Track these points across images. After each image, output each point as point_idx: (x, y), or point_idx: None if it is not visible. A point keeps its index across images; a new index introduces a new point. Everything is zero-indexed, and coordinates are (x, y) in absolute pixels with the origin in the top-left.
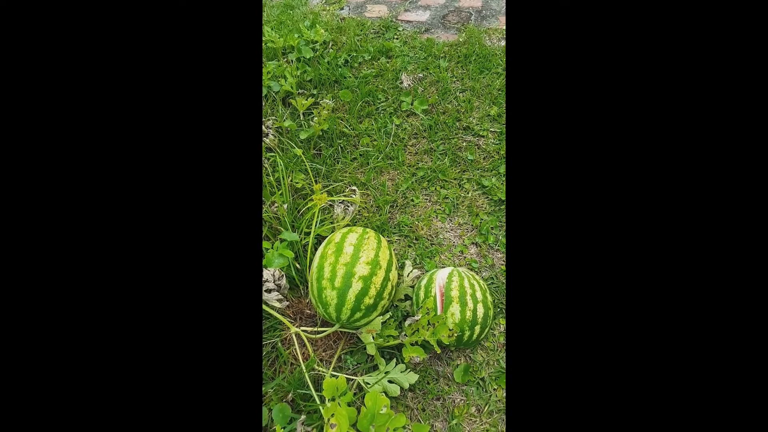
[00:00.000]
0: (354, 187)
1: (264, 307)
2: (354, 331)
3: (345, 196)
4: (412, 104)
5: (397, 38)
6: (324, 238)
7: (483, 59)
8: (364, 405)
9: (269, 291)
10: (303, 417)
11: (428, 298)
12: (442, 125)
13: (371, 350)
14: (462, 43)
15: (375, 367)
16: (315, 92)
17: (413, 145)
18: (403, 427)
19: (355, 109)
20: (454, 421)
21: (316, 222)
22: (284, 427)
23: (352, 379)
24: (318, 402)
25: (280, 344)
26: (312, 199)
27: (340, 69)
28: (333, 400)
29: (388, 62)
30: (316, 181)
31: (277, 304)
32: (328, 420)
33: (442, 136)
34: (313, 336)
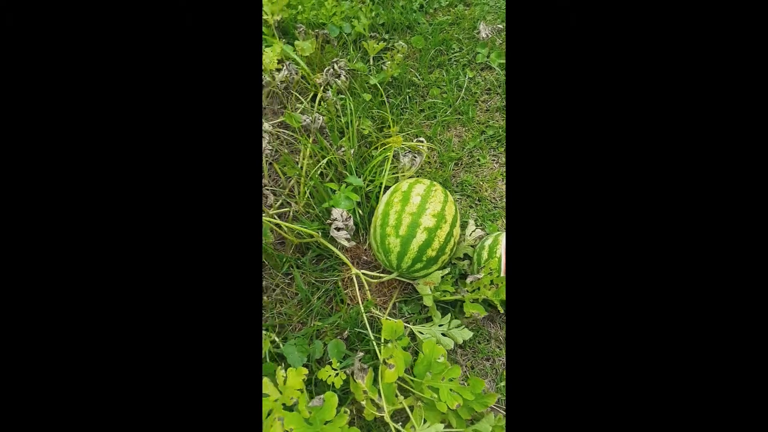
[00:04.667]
0: (422, 139)
1: (328, 245)
2: (411, 281)
3: (409, 144)
4: (488, 57)
5: None
6: (386, 187)
7: None
8: (422, 352)
9: (338, 229)
10: (360, 354)
11: (493, 259)
12: None
13: (428, 302)
14: None
15: (428, 319)
16: (387, 37)
17: (485, 101)
18: (459, 379)
19: (427, 58)
20: (502, 383)
21: (388, 166)
22: (340, 362)
23: (407, 327)
24: (374, 342)
25: (339, 284)
26: (383, 145)
27: (414, 14)
28: (388, 342)
29: (465, 10)
30: (381, 129)
31: (345, 243)
32: (386, 360)
33: None
34: (372, 280)
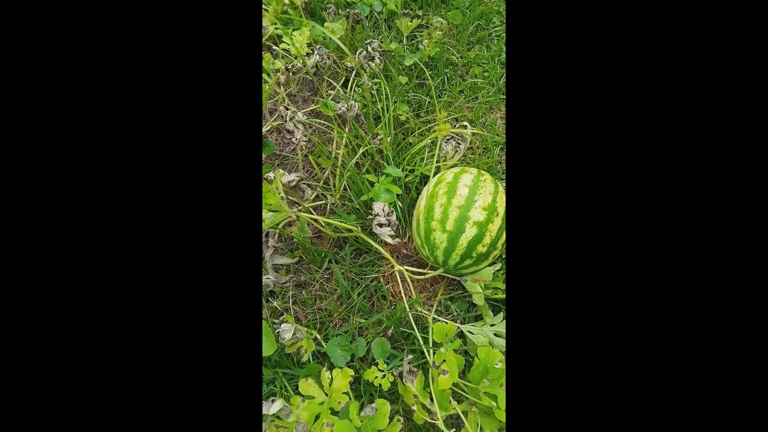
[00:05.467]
0: (465, 123)
1: (369, 240)
2: (457, 277)
3: (455, 130)
4: None
5: None
6: (427, 177)
7: None
8: (477, 357)
9: (381, 225)
10: (410, 357)
11: None
12: None
13: (479, 300)
14: None
15: (478, 318)
16: (420, 13)
17: None
18: None
19: (465, 34)
20: None
21: (436, 154)
22: (386, 362)
23: (456, 327)
24: (421, 343)
25: (382, 279)
26: (423, 133)
27: None
28: (438, 345)
29: None
30: (418, 114)
31: (390, 240)
32: (439, 365)
33: None
34: (417, 277)
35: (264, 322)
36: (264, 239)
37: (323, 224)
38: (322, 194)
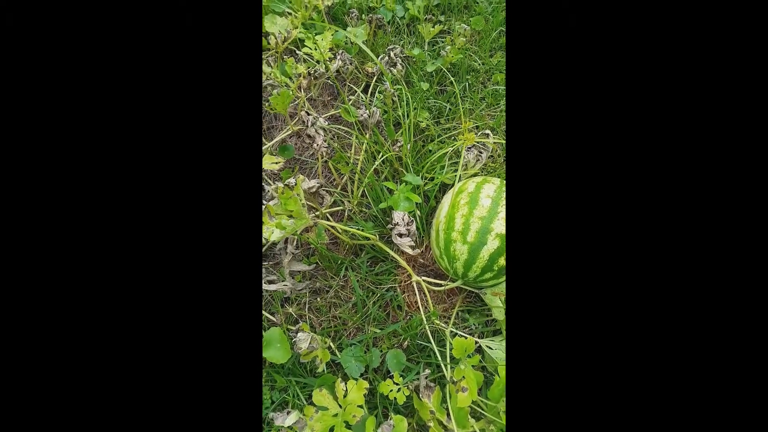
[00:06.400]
0: (488, 131)
1: (387, 249)
2: (476, 290)
3: (478, 139)
4: None
5: None
6: (446, 186)
7: None
8: (495, 373)
9: (401, 235)
10: (428, 371)
11: None
12: None
13: (499, 315)
14: None
15: (496, 333)
16: (442, 19)
17: None
18: None
19: (488, 41)
20: None
21: (461, 164)
22: (401, 375)
23: (476, 342)
24: (439, 357)
25: (398, 289)
26: (442, 141)
27: None
28: (459, 362)
29: None
30: (438, 121)
31: (409, 251)
32: (458, 381)
33: None
34: (435, 288)
35: (278, 328)
36: (283, 245)
37: (340, 231)
38: (340, 200)
